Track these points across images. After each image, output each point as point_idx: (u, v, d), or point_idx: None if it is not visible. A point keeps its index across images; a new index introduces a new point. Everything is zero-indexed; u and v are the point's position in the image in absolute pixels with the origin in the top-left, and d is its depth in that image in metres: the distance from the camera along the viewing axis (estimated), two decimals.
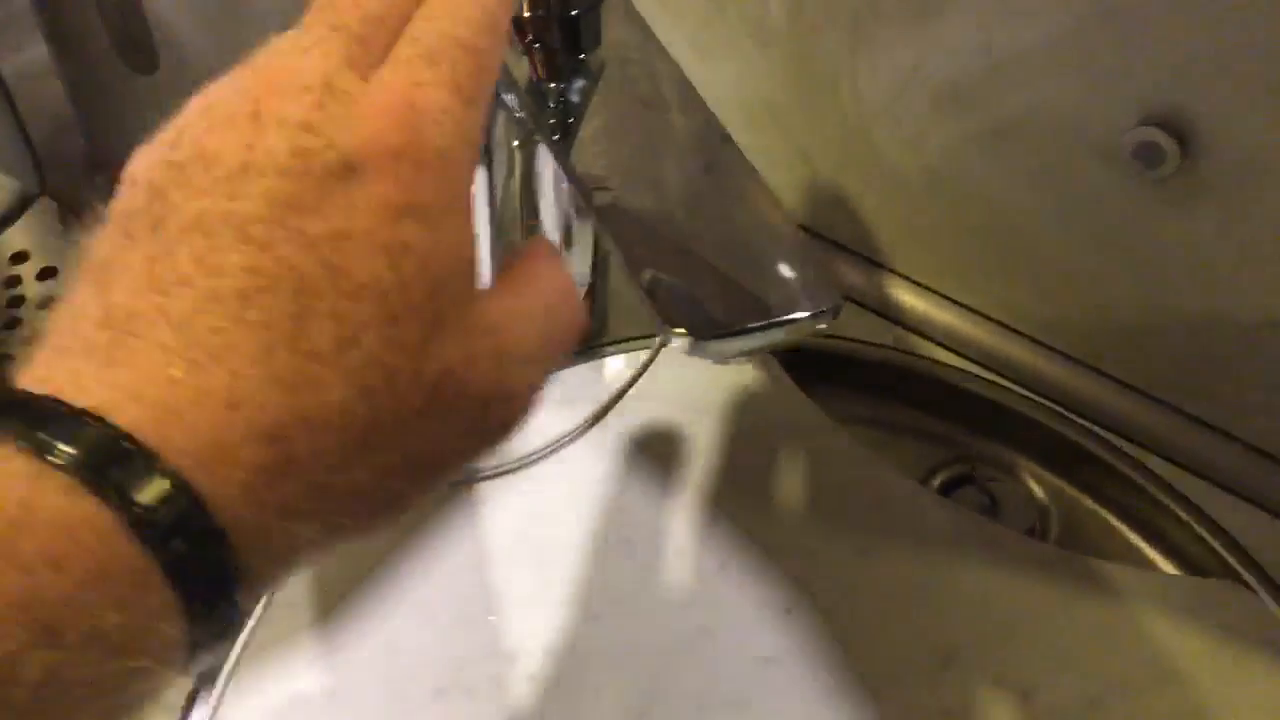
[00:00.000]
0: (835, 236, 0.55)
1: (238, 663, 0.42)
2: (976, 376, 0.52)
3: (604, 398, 0.50)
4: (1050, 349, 0.51)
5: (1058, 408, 0.50)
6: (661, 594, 0.45)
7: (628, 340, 0.52)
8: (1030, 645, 0.44)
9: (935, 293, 0.53)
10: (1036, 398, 0.51)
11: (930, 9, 0.44)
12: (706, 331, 0.27)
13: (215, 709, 0.40)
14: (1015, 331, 0.51)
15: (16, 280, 0.48)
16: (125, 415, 0.19)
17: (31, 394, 0.20)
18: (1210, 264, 0.43)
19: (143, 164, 0.22)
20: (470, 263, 0.23)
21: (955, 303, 0.53)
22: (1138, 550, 0.49)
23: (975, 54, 0.44)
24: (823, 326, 0.28)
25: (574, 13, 0.34)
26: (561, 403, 0.50)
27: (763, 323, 0.28)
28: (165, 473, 0.19)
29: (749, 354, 0.28)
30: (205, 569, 0.20)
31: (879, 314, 0.54)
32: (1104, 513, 0.50)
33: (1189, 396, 0.48)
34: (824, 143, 0.53)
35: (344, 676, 0.42)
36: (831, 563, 0.46)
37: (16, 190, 0.51)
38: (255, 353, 0.20)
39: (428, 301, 0.22)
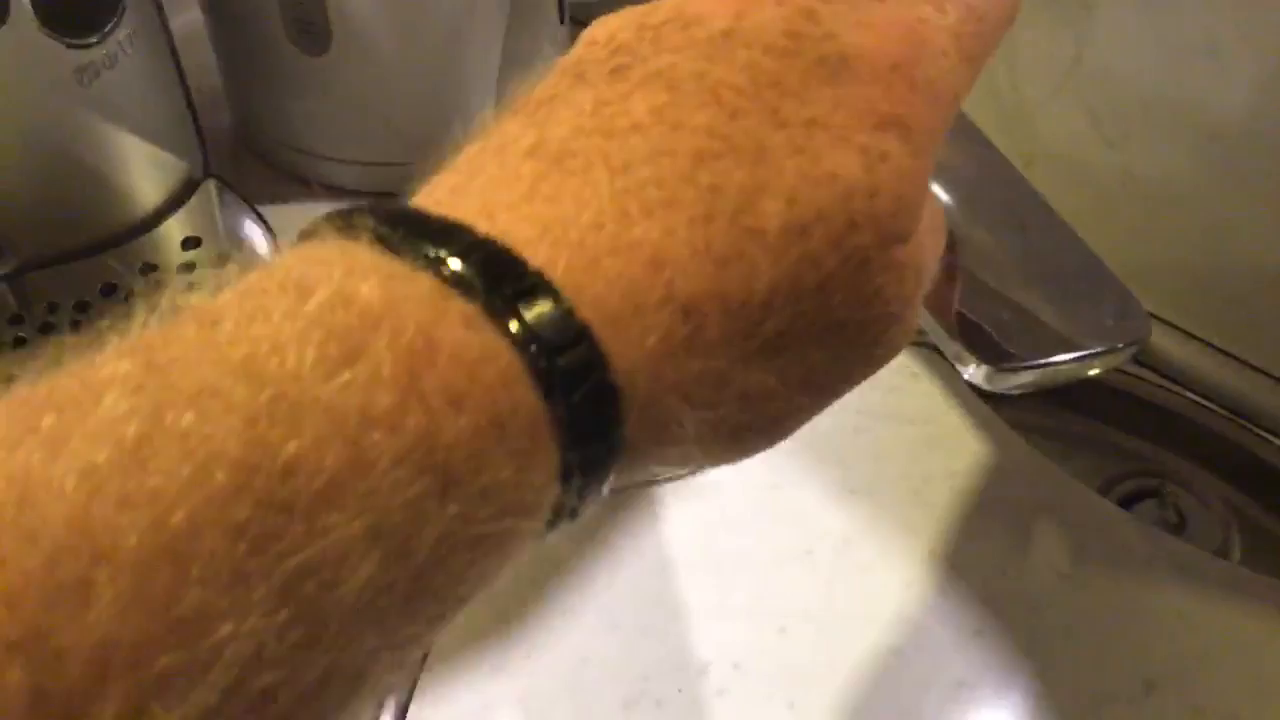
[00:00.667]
0: None
1: (424, 670, 0.41)
2: (1162, 388, 0.50)
3: None
4: (1244, 363, 0.49)
5: (1248, 424, 0.48)
6: (846, 609, 0.44)
7: None
8: (1231, 673, 0.42)
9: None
10: (1225, 413, 0.49)
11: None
12: (1009, 363, 0.26)
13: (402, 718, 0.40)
14: (1208, 345, 0.49)
15: (190, 266, 0.47)
16: (538, 254, 0.18)
17: (439, 215, 0.18)
18: None
19: (609, 26, 0.21)
20: (923, 200, 0.21)
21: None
22: None
23: (1201, 52, 0.42)
24: (1130, 358, 0.27)
25: None
26: None
27: (1070, 356, 0.26)
28: (574, 321, 0.17)
29: (1049, 384, 0.27)
30: (594, 429, 0.18)
31: None
32: None
33: None
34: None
35: (532, 685, 0.41)
36: (1021, 582, 0.44)
37: (184, 172, 0.50)
38: (695, 216, 0.19)
39: (890, 216, 0.20)
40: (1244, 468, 0.48)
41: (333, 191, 0.55)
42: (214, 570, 0.13)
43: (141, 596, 0.13)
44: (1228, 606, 0.44)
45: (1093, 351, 0.26)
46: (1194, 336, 0.50)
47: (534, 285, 0.17)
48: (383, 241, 0.17)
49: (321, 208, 0.19)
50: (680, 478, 0.46)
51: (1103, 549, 0.45)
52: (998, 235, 0.28)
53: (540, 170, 0.19)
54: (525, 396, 0.17)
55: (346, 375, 0.15)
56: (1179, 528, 0.48)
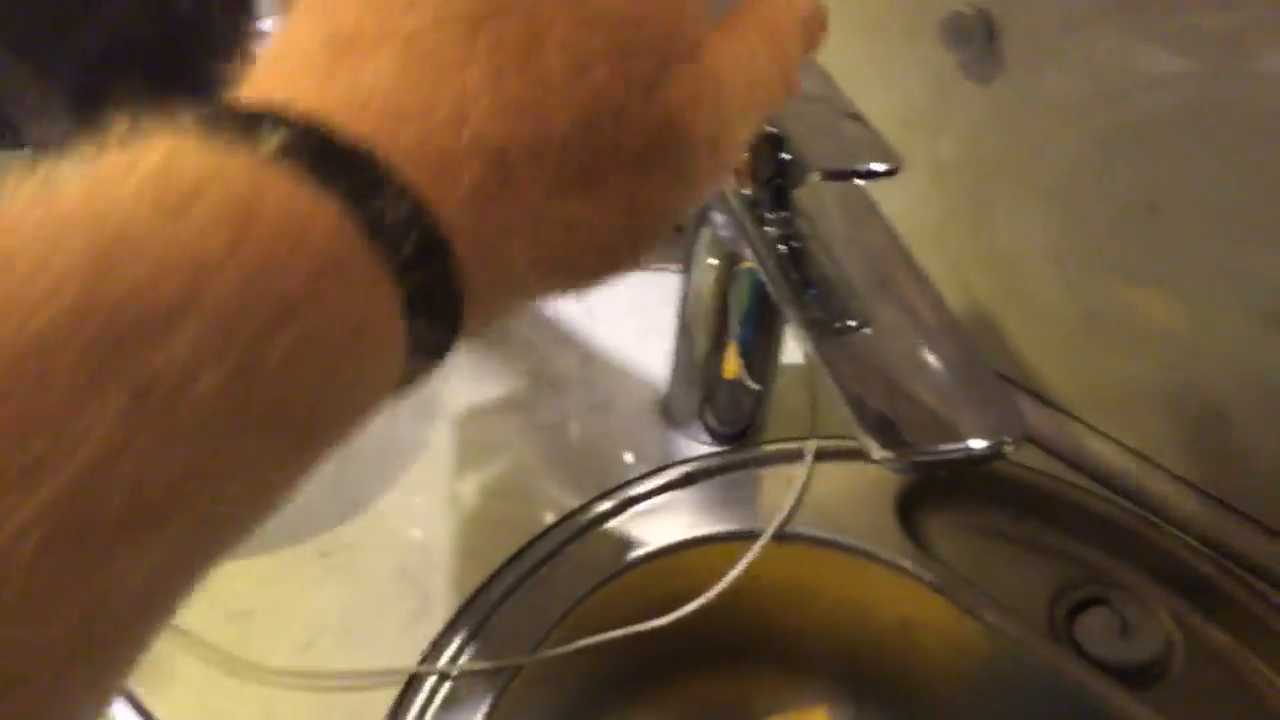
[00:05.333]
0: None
1: None
2: (1115, 503, 0.54)
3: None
4: (1189, 485, 0.53)
5: (1192, 541, 0.53)
6: None
7: (784, 440, 0.57)
8: None
9: (1079, 421, 0.56)
10: (1171, 529, 0.53)
11: (1099, 168, 0.48)
12: (907, 451, 0.32)
13: None
14: (1157, 465, 0.54)
15: None
16: (349, 123, 0.19)
17: (252, 102, 0.20)
18: None
19: None
20: (698, 18, 0.23)
21: (1098, 432, 0.56)
22: (1263, 676, 0.50)
23: (1140, 212, 0.48)
24: (1009, 451, 0.32)
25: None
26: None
27: (955, 447, 0.32)
28: (393, 177, 0.19)
29: (942, 470, 0.32)
30: (430, 273, 0.20)
31: (1035, 444, 0.57)
32: (1233, 644, 0.52)
33: None
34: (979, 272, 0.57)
35: None
36: None
37: None
38: (484, 75, 0.21)
39: (662, 40, 0.22)
40: (1187, 581, 0.53)
41: None
42: (72, 374, 0.15)
43: (8, 390, 0.15)
44: None
45: (980, 446, 0.32)
46: (1153, 461, 0.55)
47: (351, 149, 0.19)
48: (203, 125, 0.19)
49: None
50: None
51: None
52: (902, 336, 0.34)
53: (336, 54, 0.21)
54: (357, 244, 0.18)
55: (183, 220, 0.17)
56: (1124, 632, 0.52)
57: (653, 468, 0.55)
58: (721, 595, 0.51)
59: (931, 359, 0.34)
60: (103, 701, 0.18)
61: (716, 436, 0.57)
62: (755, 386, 0.55)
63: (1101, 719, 0.49)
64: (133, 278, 0.16)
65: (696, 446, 0.56)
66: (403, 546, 0.51)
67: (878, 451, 0.32)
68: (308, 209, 0.18)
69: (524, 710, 0.49)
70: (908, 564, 0.52)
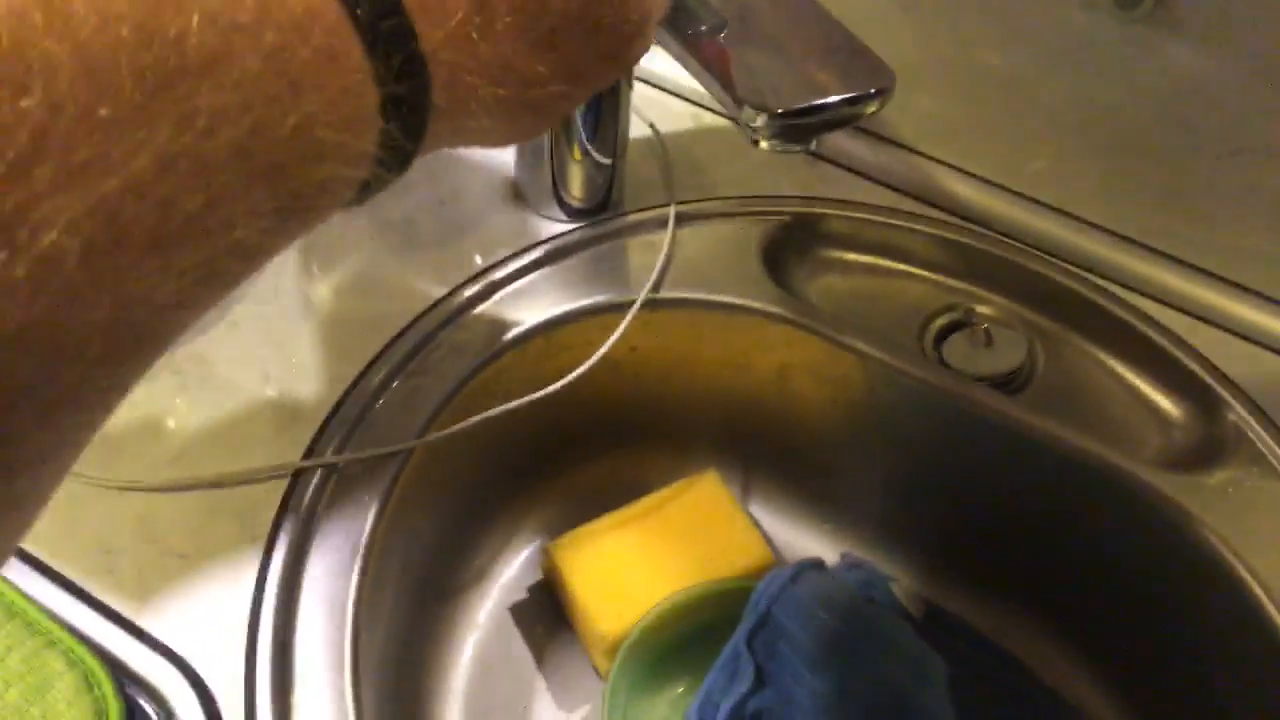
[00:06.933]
0: None
1: None
2: (966, 229, 0.56)
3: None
4: (1036, 202, 0.55)
5: (1043, 254, 0.55)
6: None
7: (642, 209, 0.56)
8: None
9: (931, 159, 0.57)
10: (1021, 245, 0.55)
11: None
12: (781, 115, 0.31)
13: None
14: (999, 186, 0.56)
15: None
16: None
17: None
18: (1182, 99, 0.48)
19: None
20: None
21: (947, 165, 0.57)
22: (1115, 374, 0.53)
23: None
24: (877, 107, 0.32)
25: None
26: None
27: (826, 100, 0.31)
28: (396, 2, 0.23)
29: (816, 135, 0.32)
30: (408, 86, 0.23)
31: (878, 181, 0.58)
32: (1087, 345, 0.54)
33: (1160, 235, 0.53)
34: None
35: None
36: None
37: None
38: None
39: None
40: (1042, 292, 0.55)
41: None
42: (128, 96, 0.18)
43: (71, 96, 0.17)
44: None
45: (850, 96, 0.31)
46: (995, 183, 0.56)
47: None
48: None
49: None
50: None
51: None
52: (762, 21, 0.33)
53: None
54: (354, 44, 0.22)
55: None
56: (989, 344, 0.54)
57: (513, 251, 0.54)
58: (604, 371, 0.50)
59: (794, 35, 0.34)
60: (109, 406, 0.21)
61: (574, 214, 0.55)
62: (604, 160, 0.54)
63: (977, 425, 0.51)
64: (178, 27, 0.19)
65: (556, 226, 0.55)
66: (263, 356, 0.49)
67: (751, 118, 0.31)
68: (319, 5, 0.21)
69: (417, 499, 0.48)
70: (779, 310, 0.53)
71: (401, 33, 0.23)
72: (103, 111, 0.17)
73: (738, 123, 0.32)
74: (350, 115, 0.22)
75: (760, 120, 0.31)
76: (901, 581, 0.56)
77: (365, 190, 0.25)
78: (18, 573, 0.41)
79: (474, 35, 0.25)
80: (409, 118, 0.24)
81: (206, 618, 0.40)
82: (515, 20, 0.25)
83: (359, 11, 0.22)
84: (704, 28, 0.34)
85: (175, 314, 0.21)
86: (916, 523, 0.58)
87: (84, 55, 0.17)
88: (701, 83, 0.34)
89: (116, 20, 0.18)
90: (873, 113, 0.32)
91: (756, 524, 0.58)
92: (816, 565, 0.55)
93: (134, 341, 0.20)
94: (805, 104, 0.31)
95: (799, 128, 0.31)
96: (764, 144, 0.32)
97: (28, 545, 0.41)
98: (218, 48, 0.19)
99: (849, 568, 0.56)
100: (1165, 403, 0.52)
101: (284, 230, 0.22)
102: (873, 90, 0.32)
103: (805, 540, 0.60)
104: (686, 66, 0.33)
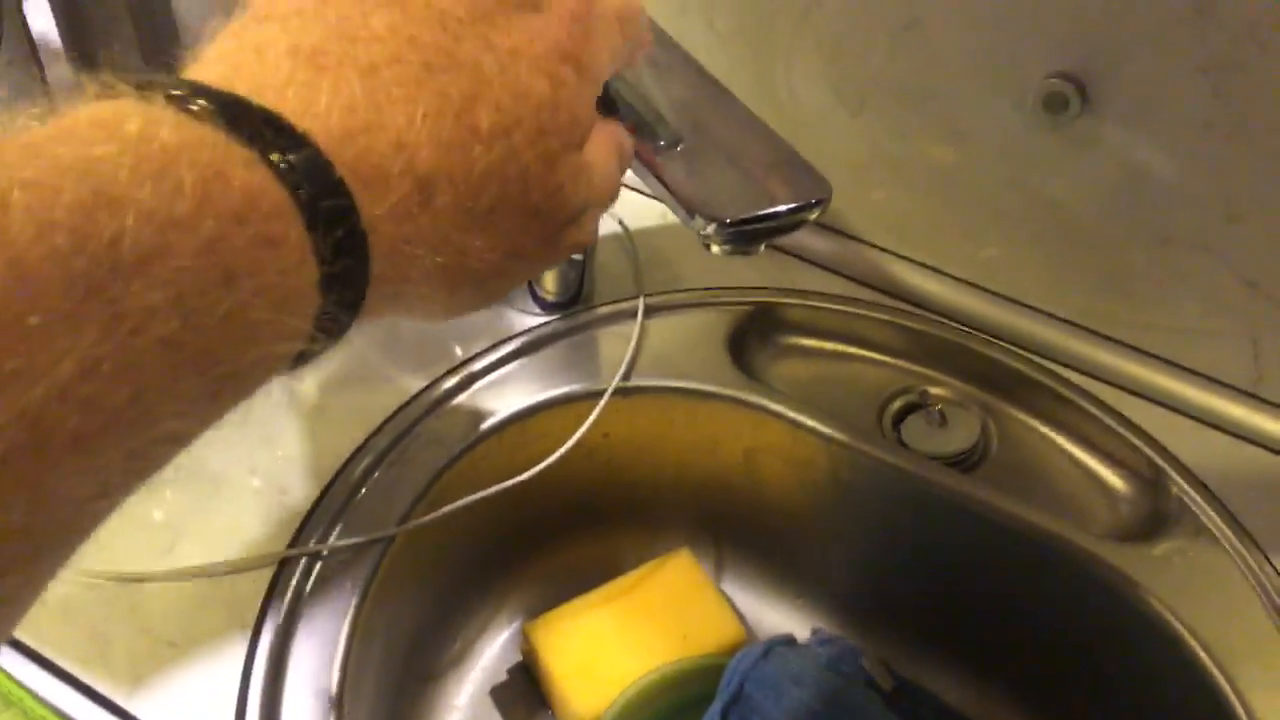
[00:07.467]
0: None
1: None
2: (920, 316, 0.59)
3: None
4: (984, 289, 0.58)
5: (992, 337, 0.58)
6: None
7: (613, 302, 0.59)
8: None
9: (884, 250, 0.61)
10: (972, 330, 0.58)
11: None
12: (729, 224, 0.34)
13: None
14: (955, 278, 0.59)
15: None
16: (302, 123, 0.23)
17: (218, 86, 0.23)
18: (1115, 192, 0.51)
19: None
20: (592, 117, 0.30)
21: (899, 256, 0.60)
22: (1065, 451, 0.56)
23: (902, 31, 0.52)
24: (817, 215, 0.35)
25: None
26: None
27: (770, 211, 0.34)
28: (334, 175, 0.23)
29: (763, 241, 0.35)
30: (347, 261, 0.23)
31: (836, 272, 0.61)
32: (1036, 424, 0.57)
33: (1101, 319, 0.56)
34: None
35: None
36: None
37: None
38: (428, 111, 0.25)
39: (568, 127, 0.28)
40: (993, 375, 0.58)
41: None
42: (57, 305, 0.18)
43: (6, 305, 0.17)
44: None
45: (794, 206, 0.34)
46: (949, 275, 0.59)
47: (301, 142, 0.23)
48: (174, 101, 0.22)
49: None
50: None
51: None
52: (714, 140, 0.37)
53: (298, 65, 0.24)
54: (294, 225, 0.22)
55: (155, 186, 0.20)
56: (943, 425, 0.56)
57: (490, 344, 0.56)
58: (578, 457, 0.52)
59: (742, 150, 0.37)
60: (36, 590, 0.21)
61: (548, 307, 0.58)
62: (576, 256, 0.57)
63: (935, 502, 0.54)
64: (113, 230, 0.19)
65: (530, 319, 0.58)
66: (249, 448, 0.51)
67: (703, 227, 0.34)
68: (259, 187, 0.22)
69: (399, 584, 0.49)
70: (744, 395, 0.55)
71: (342, 211, 0.23)
72: (32, 320, 0.18)
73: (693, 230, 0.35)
74: (287, 295, 0.22)
75: (711, 229, 0.34)
76: (871, 655, 0.58)
77: (300, 360, 0.25)
78: (13, 661, 0.42)
79: (414, 210, 0.25)
80: (347, 292, 0.24)
81: (196, 703, 0.42)
82: (455, 199, 0.26)
83: (300, 192, 0.22)
84: (662, 143, 0.37)
85: (98, 504, 0.20)
86: (884, 597, 0.60)
87: (18, 267, 0.18)
88: (657, 194, 0.36)
89: (51, 229, 0.18)
90: (814, 219, 0.35)
91: (729, 601, 0.60)
92: (788, 641, 0.57)
93: (54, 535, 0.20)
94: (753, 213, 0.34)
95: (747, 234, 0.34)
96: (715, 249, 0.35)
97: (25, 636, 0.43)
98: (152, 246, 0.19)
99: (820, 643, 0.58)
100: (1112, 477, 0.55)
101: (215, 410, 0.22)
102: (814, 200, 0.35)
103: (777, 616, 0.62)
104: (643, 179, 0.36)
